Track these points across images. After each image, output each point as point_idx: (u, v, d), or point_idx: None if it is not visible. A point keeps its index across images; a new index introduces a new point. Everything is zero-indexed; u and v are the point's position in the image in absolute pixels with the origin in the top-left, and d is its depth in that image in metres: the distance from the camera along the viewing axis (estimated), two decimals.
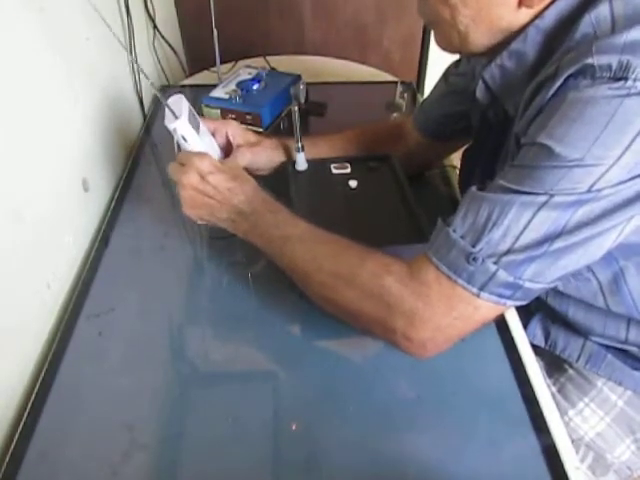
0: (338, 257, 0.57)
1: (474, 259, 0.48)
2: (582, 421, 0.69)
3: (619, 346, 0.66)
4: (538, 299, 0.69)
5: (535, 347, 0.64)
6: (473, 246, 0.48)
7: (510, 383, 0.58)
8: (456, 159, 0.96)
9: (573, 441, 0.67)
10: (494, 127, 0.65)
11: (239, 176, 0.63)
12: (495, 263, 0.47)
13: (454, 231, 0.50)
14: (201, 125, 0.67)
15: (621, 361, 0.66)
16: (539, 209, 0.46)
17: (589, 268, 0.60)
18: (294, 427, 0.54)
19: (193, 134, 0.63)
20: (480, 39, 0.55)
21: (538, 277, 0.48)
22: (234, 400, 0.57)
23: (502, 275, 0.47)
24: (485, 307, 0.50)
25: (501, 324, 0.64)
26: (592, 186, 0.44)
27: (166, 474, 0.51)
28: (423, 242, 0.62)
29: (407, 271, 0.52)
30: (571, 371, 0.71)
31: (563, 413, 0.69)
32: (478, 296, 0.49)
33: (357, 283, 0.54)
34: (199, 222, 0.66)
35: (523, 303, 0.51)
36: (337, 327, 0.64)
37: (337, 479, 0.51)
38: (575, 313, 0.66)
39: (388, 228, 0.66)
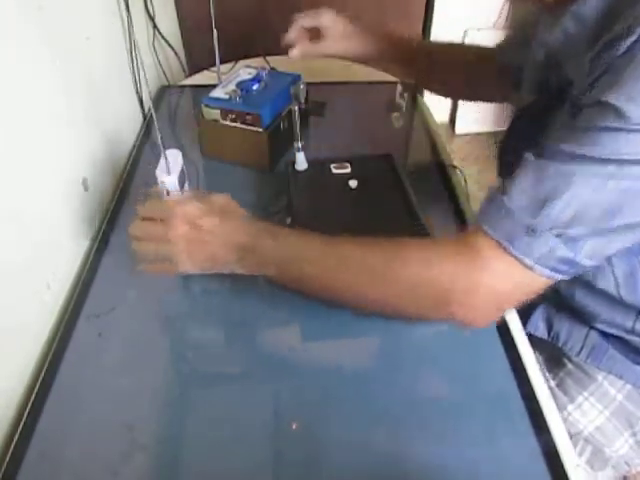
0: (367, 255, 0.53)
1: (532, 231, 0.46)
2: (581, 415, 0.69)
3: (624, 335, 0.65)
4: None
5: (534, 342, 0.64)
6: (532, 217, 0.46)
7: (510, 382, 0.58)
8: (456, 159, 0.96)
9: (572, 436, 0.67)
10: (551, 94, 0.61)
11: (228, 210, 0.58)
12: (556, 236, 0.46)
13: (510, 200, 0.48)
14: (186, 184, 0.72)
15: (623, 354, 0.66)
16: (605, 181, 0.43)
17: (609, 259, 0.59)
18: (294, 427, 0.54)
19: (177, 192, 0.68)
20: None
21: (594, 254, 0.46)
22: (234, 400, 0.57)
23: (561, 249, 0.46)
24: (537, 279, 0.49)
25: (501, 323, 0.64)
26: None
27: (166, 474, 0.51)
28: None
29: (455, 246, 0.51)
30: (570, 365, 0.71)
31: (562, 408, 0.69)
32: (532, 269, 0.47)
33: (401, 276, 0.52)
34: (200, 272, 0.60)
35: (568, 277, 0.49)
36: (337, 327, 0.64)
37: (337, 479, 0.51)
38: (582, 297, 0.65)
39: (388, 228, 0.66)
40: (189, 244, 0.55)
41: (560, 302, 0.69)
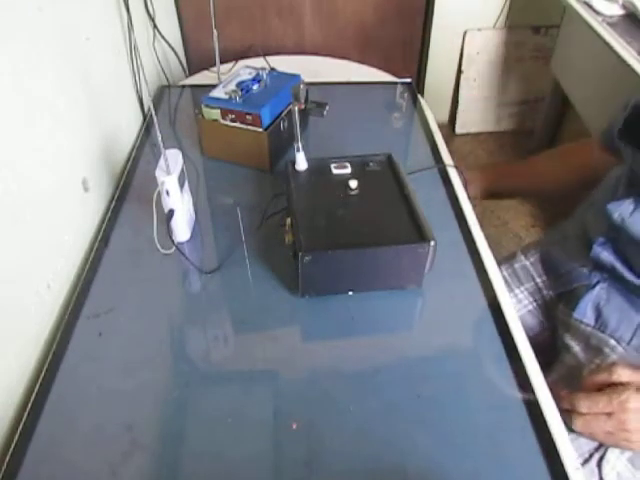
0: None
1: None
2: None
3: None
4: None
5: (572, 329, 0.63)
6: None
7: (510, 382, 0.58)
8: (456, 159, 0.96)
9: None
10: None
11: None
12: None
13: None
14: (186, 184, 0.72)
15: None
16: None
17: None
18: (294, 427, 0.54)
19: (177, 192, 0.69)
20: None
21: None
22: (234, 400, 0.57)
23: None
24: None
25: (501, 323, 0.64)
26: None
27: (166, 474, 0.51)
28: (423, 242, 0.62)
29: None
30: (614, 356, 0.70)
31: None
32: None
33: None
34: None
35: None
36: (337, 327, 0.64)
37: (337, 479, 0.51)
38: None
39: (388, 228, 0.66)
40: None
41: (614, 289, 0.69)
